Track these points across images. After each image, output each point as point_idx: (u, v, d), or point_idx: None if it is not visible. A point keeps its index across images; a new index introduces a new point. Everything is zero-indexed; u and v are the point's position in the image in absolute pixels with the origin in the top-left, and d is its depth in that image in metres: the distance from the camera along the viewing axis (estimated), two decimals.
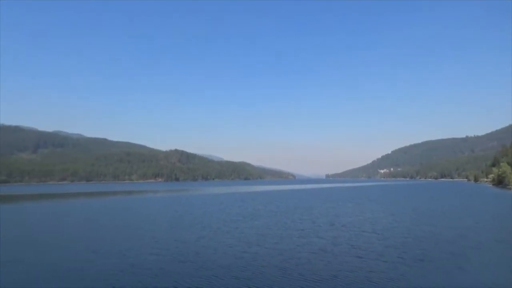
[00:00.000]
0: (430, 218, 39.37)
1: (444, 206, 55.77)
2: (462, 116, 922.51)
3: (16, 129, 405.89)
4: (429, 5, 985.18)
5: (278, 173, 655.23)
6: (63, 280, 16.12)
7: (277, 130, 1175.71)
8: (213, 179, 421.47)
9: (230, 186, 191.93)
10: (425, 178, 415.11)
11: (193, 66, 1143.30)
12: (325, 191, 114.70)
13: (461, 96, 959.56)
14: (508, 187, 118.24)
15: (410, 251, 21.66)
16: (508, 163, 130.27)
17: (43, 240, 26.75)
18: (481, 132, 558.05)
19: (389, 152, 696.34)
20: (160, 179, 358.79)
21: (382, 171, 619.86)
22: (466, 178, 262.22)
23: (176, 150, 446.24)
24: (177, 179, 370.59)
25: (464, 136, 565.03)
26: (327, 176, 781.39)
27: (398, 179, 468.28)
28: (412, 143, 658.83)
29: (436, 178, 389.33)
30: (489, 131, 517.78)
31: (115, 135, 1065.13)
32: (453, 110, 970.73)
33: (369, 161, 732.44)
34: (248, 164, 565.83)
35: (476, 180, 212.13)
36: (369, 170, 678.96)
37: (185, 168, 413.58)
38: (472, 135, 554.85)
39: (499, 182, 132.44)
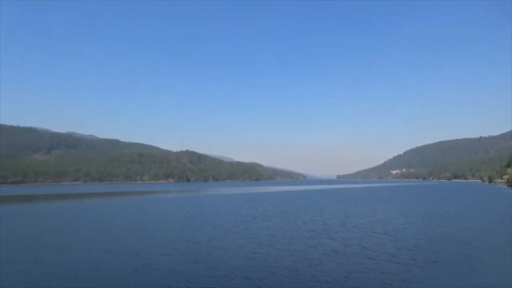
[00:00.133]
0: (443, 219, 38.87)
1: (457, 207, 54.99)
2: (476, 116, 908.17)
3: (31, 131, 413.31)
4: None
5: (289, 173, 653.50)
6: (78, 279, 16.37)
7: (288, 130, 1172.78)
8: (224, 180, 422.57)
9: (240, 186, 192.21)
10: (438, 179, 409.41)
11: (204, 67, 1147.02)
12: (336, 192, 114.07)
13: (475, 95, 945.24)
14: None
15: (423, 253, 21.42)
16: None
17: (57, 240, 27.19)
18: (495, 132, 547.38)
19: (401, 152, 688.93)
20: (171, 180, 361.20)
21: (394, 172, 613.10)
22: (480, 179, 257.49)
23: (187, 151, 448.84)
24: (188, 180, 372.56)
25: (478, 136, 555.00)
26: (338, 176, 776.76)
27: (410, 180, 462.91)
28: (424, 143, 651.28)
29: (449, 179, 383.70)
30: (504, 131, 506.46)
31: (127, 136, 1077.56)
32: (467, 110, 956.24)
33: (381, 162, 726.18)
34: (259, 165, 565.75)
35: (490, 181, 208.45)
36: (381, 171, 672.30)
37: (196, 169, 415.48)
38: (486, 135, 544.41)
39: None
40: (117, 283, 15.73)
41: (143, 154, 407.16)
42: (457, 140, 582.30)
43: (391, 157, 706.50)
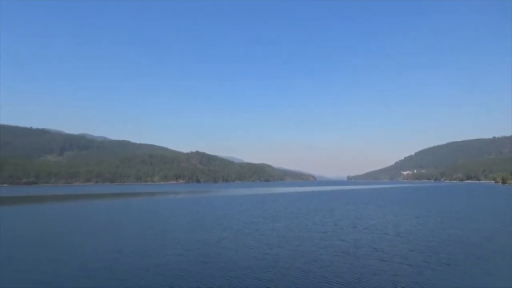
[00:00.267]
0: (455, 220, 38.35)
1: (469, 208, 54.20)
2: (489, 116, 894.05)
3: (44, 132, 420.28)
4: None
5: (299, 174, 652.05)
6: (91, 279, 16.58)
7: (298, 131, 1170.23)
8: (234, 180, 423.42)
9: (250, 187, 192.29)
10: (450, 180, 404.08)
11: (213, 68, 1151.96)
12: (346, 193, 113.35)
13: (487, 95, 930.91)
14: None
15: (435, 255, 21.18)
16: None
17: (70, 240, 27.57)
18: (509, 133, 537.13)
19: (413, 153, 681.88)
20: (181, 181, 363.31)
21: (405, 173, 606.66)
22: (494, 180, 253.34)
23: (197, 152, 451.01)
24: (198, 181, 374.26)
25: (491, 136, 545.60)
26: (349, 178, 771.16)
27: (422, 181, 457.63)
28: (436, 144, 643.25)
29: (461, 180, 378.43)
30: None
31: (138, 138, 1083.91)
32: (480, 110, 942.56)
33: (392, 163, 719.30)
34: (269, 166, 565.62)
35: (504, 182, 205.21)
36: (392, 172, 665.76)
37: (206, 169, 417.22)
38: (500, 136, 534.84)
39: None
40: (129, 283, 15.89)
41: (154, 155, 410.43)
42: (469, 140, 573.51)
43: (402, 158, 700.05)
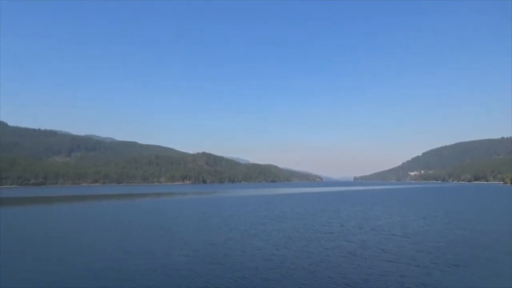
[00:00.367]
0: (463, 221, 37.99)
1: (477, 209, 53.69)
2: (497, 116, 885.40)
3: (52, 134, 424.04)
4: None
5: (305, 175, 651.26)
6: (98, 279, 16.68)
7: (305, 132, 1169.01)
8: (240, 181, 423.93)
9: (256, 188, 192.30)
10: (458, 181, 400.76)
11: (219, 71, 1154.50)
12: (353, 194, 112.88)
13: (495, 95, 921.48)
14: None
15: (443, 256, 21.00)
16: None
17: (78, 240, 27.76)
18: None
19: (420, 154, 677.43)
20: (187, 182, 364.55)
21: (412, 173, 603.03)
22: (502, 180, 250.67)
23: (203, 153, 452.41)
24: (204, 182, 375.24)
25: (499, 137, 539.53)
26: (355, 178, 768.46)
27: (429, 182, 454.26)
28: (443, 144, 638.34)
29: (469, 181, 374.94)
30: None
31: (145, 139, 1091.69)
32: (488, 110, 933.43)
33: (399, 163, 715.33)
34: (275, 167, 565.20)
35: None
36: (399, 172, 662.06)
37: (212, 170, 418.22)
38: (509, 136, 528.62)
39: None
40: (136, 283, 15.96)
41: (160, 156, 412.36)
42: (477, 141, 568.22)
43: (409, 158, 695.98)
